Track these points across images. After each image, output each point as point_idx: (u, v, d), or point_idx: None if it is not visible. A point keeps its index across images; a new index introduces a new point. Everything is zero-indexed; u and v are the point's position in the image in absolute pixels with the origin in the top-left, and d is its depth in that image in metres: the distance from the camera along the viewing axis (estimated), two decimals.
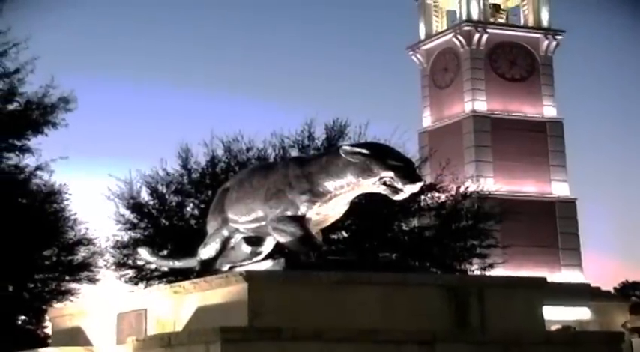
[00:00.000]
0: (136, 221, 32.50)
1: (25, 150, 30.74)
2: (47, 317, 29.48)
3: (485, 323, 14.98)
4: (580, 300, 49.91)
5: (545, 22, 58.42)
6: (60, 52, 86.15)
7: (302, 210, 14.79)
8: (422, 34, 59.82)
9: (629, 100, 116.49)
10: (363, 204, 25.38)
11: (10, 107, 30.38)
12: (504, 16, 59.85)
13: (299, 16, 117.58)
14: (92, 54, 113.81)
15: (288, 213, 14.89)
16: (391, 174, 14.14)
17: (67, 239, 33.15)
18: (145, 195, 32.77)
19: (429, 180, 33.09)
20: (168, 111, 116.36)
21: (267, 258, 15.78)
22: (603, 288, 56.86)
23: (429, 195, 33.19)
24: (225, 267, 15.90)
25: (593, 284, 54.89)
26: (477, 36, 56.04)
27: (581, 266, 55.29)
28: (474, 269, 33.80)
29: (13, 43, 29.97)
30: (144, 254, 22.64)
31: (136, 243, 30.71)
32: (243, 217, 15.73)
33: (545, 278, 17.11)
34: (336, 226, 22.12)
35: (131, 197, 32.46)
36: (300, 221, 14.81)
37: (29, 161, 31.12)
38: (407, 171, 14.38)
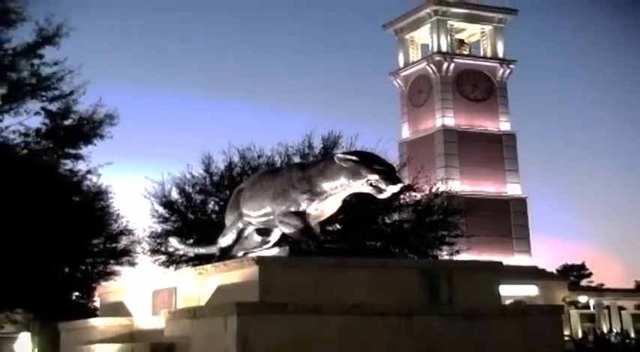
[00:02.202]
0: (167, 215, 32.43)
1: (78, 157, 30.65)
2: (96, 293, 29.42)
3: (452, 298, 14.91)
4: (529, 280, 49.91)
5: (500, 54, 58.52)
6: (105, 68, 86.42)
7: (303, 206, 14.71)
8: (401, 63, 59.88)
9: (569, 115, 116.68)
10: (353, 202, 25.26)
11: (66, 122, 30.26)
12: (468, 49, 59.99)
13: (306, 48, 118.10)
14: (135, 70, 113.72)
15: (292, 209, 14.81)
16: (376, 177, 14.07)
17: (112, 230, 33.16)
18: (174, 194, 32.73)
19: (407, 181, 32.94)
20: (196, 123, 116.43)
21: (274, 245, 15.70)
22: (548, 270, 56.91)
23: (407, 194, 33.05)
24: (240, 253, 15.82)
25: (539, 267, 54.90)
26: (445, 65, 56.10)
27: (530, 252, 55.35)
28: (444, 254, 33.69)
29: (68, 70, 29.88)
30: (174, 242, 22.56)
31: (167, 234, 30.63)
32: (255, 212, 15.65)
33: (501, 262, 17.05)
34: (331, 220, 22.04)
35: (163, 195, 32.41)
36: (301, 215, 14.73)
37: (81, 166, 31.07)
38: (389, 174, 14.31)
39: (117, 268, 33.36)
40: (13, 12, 28.60)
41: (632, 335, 49.09)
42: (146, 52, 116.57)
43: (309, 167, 15.43)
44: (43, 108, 29.80)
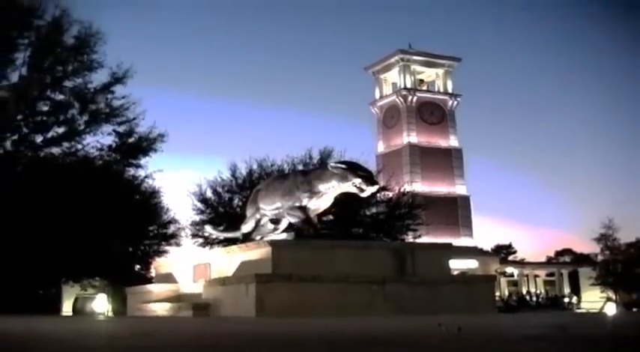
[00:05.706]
0: (203, 209, 32.43)
1: (138, 166, 30.71)
2: (152, 266, 29.45)
3: (415, 270, 14.85)
4: (471, 256, 49.67)
5: (450, 89, 58.44)
6: (153, 91, 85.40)
7: (305, 202, 14.69)
8: (377, 96, 59.77)
9: (501, 133, 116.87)
10: (342, 199, 25.16)
11: (130, 140, 30.24)
12: (426, 86, 59.91)
13: (310, 84, 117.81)
14: (183, 91, 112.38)
15: (296, 205, 14.78)
16: (359, 180, 14.07)
17: (163, 220, 33.36)
18: (209, 193, 32.79)
19: (382, 184, 32.82)
20: (225, 137, 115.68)
21: (283, 232, 15.68)
22: (485, 249, 56.80)
23: (382, 193, 33.01)
24: (258, 237, 15.78)
25: (479, 246, 54.78)
26: (410, 97, 56.03)
27: (472, 235, 55.14)
28: (409, 238, 33.61)
29: (132, 101, 29.91)
30: (208, 229, 22.56)
31: (203, 222, 30.65)
32: (269, 206, 15.62)
33: (451, 244, 17.03)
34: (326, 213, 21.97)
35: (200, 194, 32.47)
36: (303, 209, 14.71)
37: (140, 173, 31.14)
38: (369, 178, 14.31)
39: (167, 248, 33.51)
40: (96, 61, 28.89)
41: (544, 295, 49.25)
42: (191, 73, 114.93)
43: (309, 173, 15.45)
44: (113, 130, 29.86)
